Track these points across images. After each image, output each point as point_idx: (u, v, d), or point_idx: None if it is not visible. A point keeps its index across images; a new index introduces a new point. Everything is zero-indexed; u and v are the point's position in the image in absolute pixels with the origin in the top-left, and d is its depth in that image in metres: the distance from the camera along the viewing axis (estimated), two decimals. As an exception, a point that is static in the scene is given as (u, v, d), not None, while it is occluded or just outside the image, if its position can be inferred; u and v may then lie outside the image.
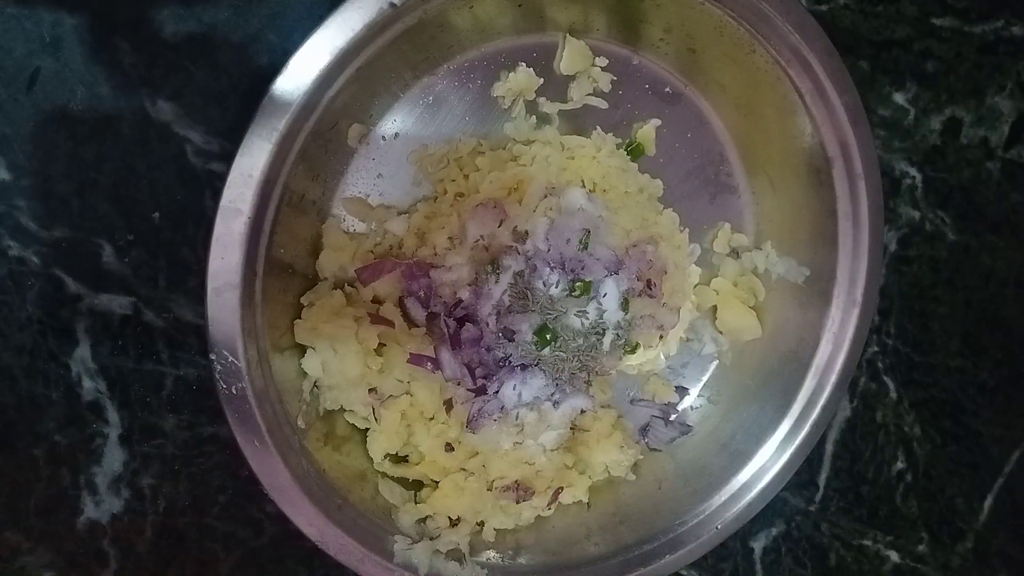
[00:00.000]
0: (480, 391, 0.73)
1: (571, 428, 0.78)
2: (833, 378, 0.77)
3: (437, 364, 0.72)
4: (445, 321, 0.71)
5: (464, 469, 0.75)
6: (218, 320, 0.62)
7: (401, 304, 0.73)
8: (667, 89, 0.79)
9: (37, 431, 0.72)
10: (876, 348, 0.90)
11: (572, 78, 0.76)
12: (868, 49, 0.84)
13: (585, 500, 0.80)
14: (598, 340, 0.74)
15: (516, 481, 0.76)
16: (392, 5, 0.62)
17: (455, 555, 0.73)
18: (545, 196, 0.73)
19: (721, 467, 0.80)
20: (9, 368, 0.70)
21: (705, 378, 0.85)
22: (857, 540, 0.93)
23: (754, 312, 0.82)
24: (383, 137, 0.73)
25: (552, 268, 0.71)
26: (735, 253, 0.83)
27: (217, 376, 0.63)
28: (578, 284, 0.72)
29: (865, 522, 0.93)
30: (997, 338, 0.93)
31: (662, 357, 0.83)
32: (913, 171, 0.88)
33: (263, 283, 0.65)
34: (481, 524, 0.76)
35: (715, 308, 0.83)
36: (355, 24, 0.61)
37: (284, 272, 0.69)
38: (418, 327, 0.73)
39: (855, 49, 0.83)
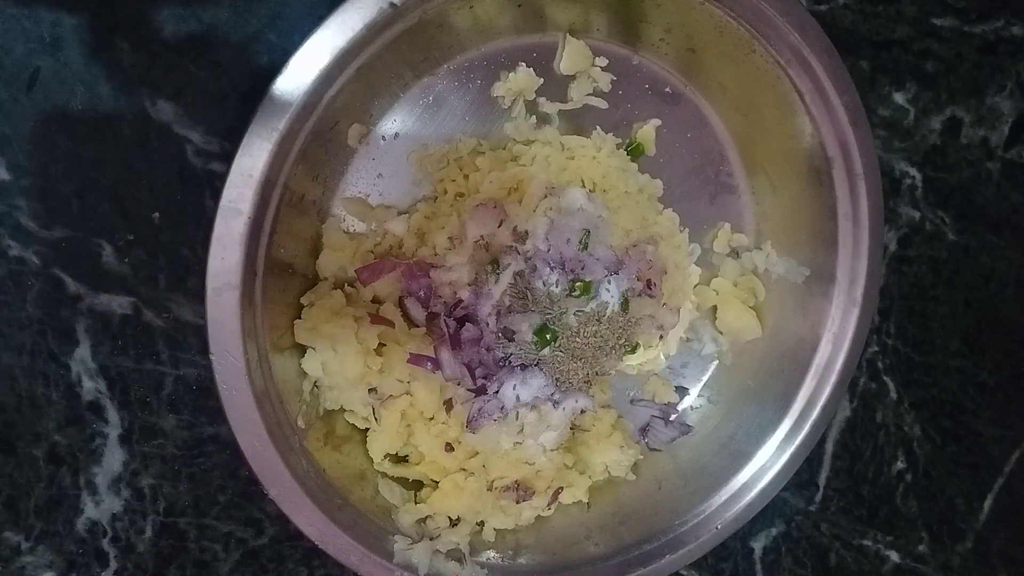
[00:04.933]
0: (480, 391, 0.73)
1: (571, 428, 0.78)
2: (833, 378, 0.77)
3: (437, 364, 0.72)
4: (445, 321, 0.71)
5: (464, 469, 0.75)
6: (218, 320, 0.62)
7: (401, 304, 0.73)
8: (667, 89, 0.79)
9: (37, 431, 0.72)
10: (876, 348, 0.90)
11: (572, 78, 0.76)
12: (868, 49, 0.84)
13: (585, 500, 0.80)
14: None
15: (516, 481, 0.76)
16: (392, 5, 0.62)
17: (455, 555, 0.72)
18: (545, 196, 0.73)
19: (721, 467, 0.80)
20: (9, 368, 0.70)
21: (705, 378, 0.85)
22: (857, 540, 0.93)
23: (754, 312, 0.82)
24: (383, 137, 0.73)
25: (552, 268, 0.71)
26: (735, 253, 0.83)
27: (217, 376, 0.63)
28: (578, 284, 0.72)
29: (865, 522, 0.93)
30: (997, 338, 0.93)
31: (662, 357, 0.83)
32: (913, 171, 0.88)
33: (263, 283, 0.65)
34: (481, 524, 0.76)
35: (715, 308, 0.83)
36: (355, 24, 0.61)
37: (284, 272, 0.69)
38: (418, 327, 0.73)
39: (855, 49, 0.83)
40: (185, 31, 0.68)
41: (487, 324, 0.71)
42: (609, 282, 0.74)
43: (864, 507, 0.92)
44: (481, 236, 0.71)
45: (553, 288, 0.72)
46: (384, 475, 0.75)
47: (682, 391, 0.84)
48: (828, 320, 0.77)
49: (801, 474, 0.81)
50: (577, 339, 0.73)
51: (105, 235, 0.70)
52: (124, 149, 0.69)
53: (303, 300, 0.71)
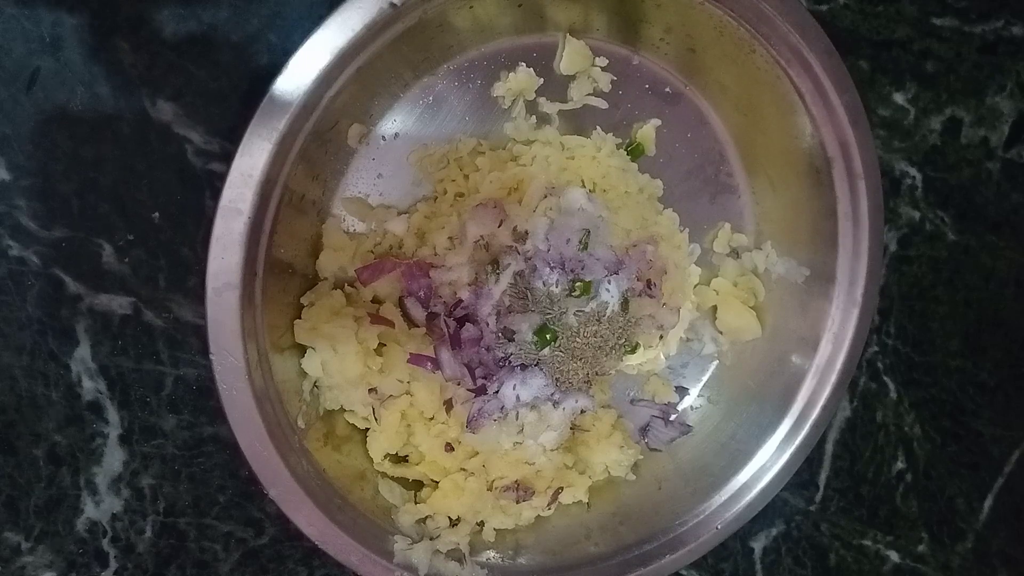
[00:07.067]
0: (480, 391, 0.73)
1: (571, 428, 0.78)
2: (833, 378, 0.77)
3: (437, 364, 0.72)
4: (445, 321, 0.71)
5: (464, 469, 0.75)
6: (218, 320, 0.62)
7: (401, 304, 0.73)
8: (667, 89, 0.79)
9: (37, 431, 0.72)
10: (876, 348, 0.90)
11: (572, 78, 0.76)
12: (868, 49, 0.84)
13: (585, 500, 0.80)
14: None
15: (516, 481, 0.76)
16: (392, 5, 0.62)
17: (455, 555, 0.73)
18: (545, 196, 0.73)
19: (721, 467, 0.80)
20: (9, 368, 0.70)
21: (705, 378, 0.85)
22: (857, 540, 0.93)
23: (754, 312, 0.82)
24: (383, 137, 0.73)
25: (552, 268, 0.71)
26: (735, 253, 0.83)
27: (217, 376, 0.63)
28: (578, 284, 0.72)
29: (865, 522, 0.93)
30: (997, 338, 0.93)
31: (662, 357, 0.83)
32: (913, 171, 0.88)
33: (263, 283, 0.65)
34: (481, 524, 0.76)
35: (715, 308, 0.83)
36: (355, 24, 0.61)
37: (284, 272, 0.69)
38: (418, 327, 0.73)
39: (855, 49, 0.83)
40: (185, 31, 0.68)
41: (487, 324, 0.71)
42: (609, 282, 0.74)
43: (864, 507, 0.92)
44: (481, 236, 0.71)
45: (553, 288, 0.72)
46: (384, 475, 0.75)
47: (682, 391, 0.84)
48: (828, 320, 0.77)
49: (801, 474, 0.81)
50: (577, 339, 0.73)
51: (105, 235, 0.70)
52: (124, 149, 0.69)
53: (303, 300, 0.71)
